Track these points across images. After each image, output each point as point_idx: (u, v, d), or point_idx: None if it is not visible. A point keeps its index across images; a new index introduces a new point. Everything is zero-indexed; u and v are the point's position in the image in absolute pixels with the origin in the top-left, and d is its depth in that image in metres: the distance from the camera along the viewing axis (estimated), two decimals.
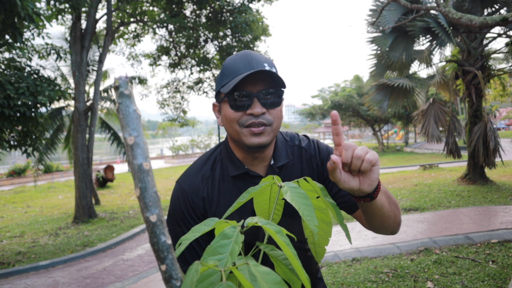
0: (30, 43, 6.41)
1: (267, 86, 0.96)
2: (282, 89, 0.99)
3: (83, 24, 8.14)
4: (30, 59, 6.51)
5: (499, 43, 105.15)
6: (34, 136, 6.18)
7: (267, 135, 0.97)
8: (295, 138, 1.14)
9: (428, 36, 7.73)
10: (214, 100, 1.08)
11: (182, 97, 12.20)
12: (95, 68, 9.84)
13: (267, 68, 0.95)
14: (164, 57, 11.12)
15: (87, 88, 10.33)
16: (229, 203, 0.98)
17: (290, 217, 1.02)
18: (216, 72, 10.84)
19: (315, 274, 1.18)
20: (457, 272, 3.64)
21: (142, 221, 7.92)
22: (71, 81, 11.29)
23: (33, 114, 5.68)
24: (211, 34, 9.33)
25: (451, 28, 6.92)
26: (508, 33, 7.66)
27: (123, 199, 11.22)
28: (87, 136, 8.40)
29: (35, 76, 6.17)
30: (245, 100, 0.95)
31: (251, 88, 0.95)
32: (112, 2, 8.82)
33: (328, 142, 47.18)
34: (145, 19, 10.02)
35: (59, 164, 19.60)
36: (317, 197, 0.73)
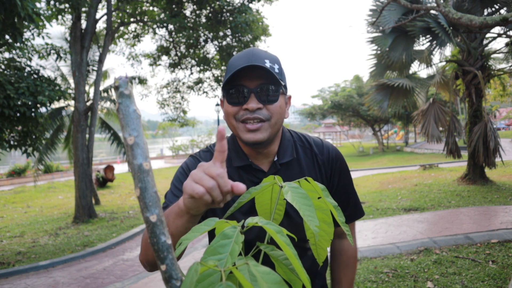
0: (30, 43, 6.41)
1: (265, 81, 0.96)
2: (282, 84, 0.98)
3: (83, 24, 8.14)
4: (30, 59, 6.50)
5: (499, 43, 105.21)
6: (34, 136, 6.18)
7: (264, 132, 0.97)
8: (304, 138, 1.14)
9: (428, 36, 7.72)
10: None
11: (182, 97, 12.20)
12: (95, 68, 9.84)
13: (267, 64, 0.95)
14: (164, 57, 11.12)
15: (87, 88, 10.33)
16: None
17: (293, 217, 1.02)
18: (216, 72, 10.85)
19: (315, 274, 1.18)
20: (457, 272, 3.64)
21: (142, 221, 7.91)
22: (71, 81, 11.28)
23: (33, 114, 5.68)
24: (211, 34, 9.33)
25: (451, 28, 6.92)
26: (508, 33, 7.66)
27: (123, 199, 11.22)
28: (87, 136, 8.41)
29: (35, 76, 6.17)
30: (241, 95, 0.96)
31: (248, 83, 0.96)
32: (112, 2, 8.82)
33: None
34: (145, 19, 10.02)
35: (59, 164, 19.59)
36: (319, 198, 0.73)
